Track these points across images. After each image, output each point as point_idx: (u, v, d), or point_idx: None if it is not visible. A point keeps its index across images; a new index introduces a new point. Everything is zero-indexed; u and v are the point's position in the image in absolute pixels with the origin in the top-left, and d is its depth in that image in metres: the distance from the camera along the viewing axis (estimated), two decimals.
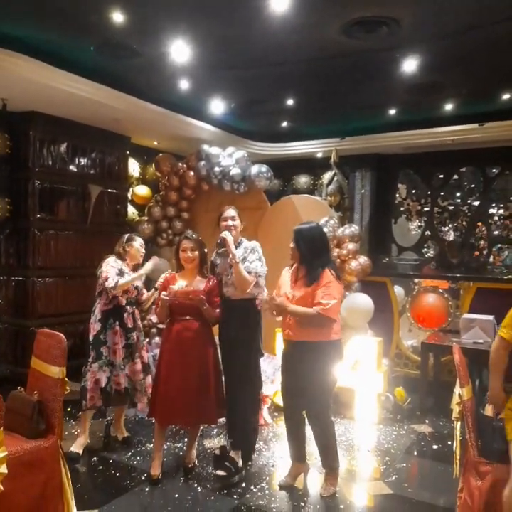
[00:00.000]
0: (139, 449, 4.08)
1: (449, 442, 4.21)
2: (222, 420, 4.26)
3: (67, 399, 3.11)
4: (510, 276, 5.94)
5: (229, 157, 5.79)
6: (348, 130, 6.73)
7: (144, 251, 4.23)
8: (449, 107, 5.73)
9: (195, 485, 3.53)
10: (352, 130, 6.70)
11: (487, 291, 5.38)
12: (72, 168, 5.67)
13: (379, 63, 4.50)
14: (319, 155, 7.49)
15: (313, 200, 5.87)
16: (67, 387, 2.88)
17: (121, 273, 3.98)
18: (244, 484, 3.54)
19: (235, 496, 3.39)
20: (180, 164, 6.10)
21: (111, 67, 4.61)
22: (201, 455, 3.98)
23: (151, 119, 5.57)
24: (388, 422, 4.80)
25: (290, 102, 5.67)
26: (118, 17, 3.60)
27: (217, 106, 5.71)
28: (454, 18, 3.62)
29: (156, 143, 6.82)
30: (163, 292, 3.54)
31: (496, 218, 7.36)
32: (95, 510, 3.15)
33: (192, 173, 5.95)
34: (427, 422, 4.84)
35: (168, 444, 4.11)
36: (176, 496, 3.37)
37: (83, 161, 5.80)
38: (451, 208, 7.56)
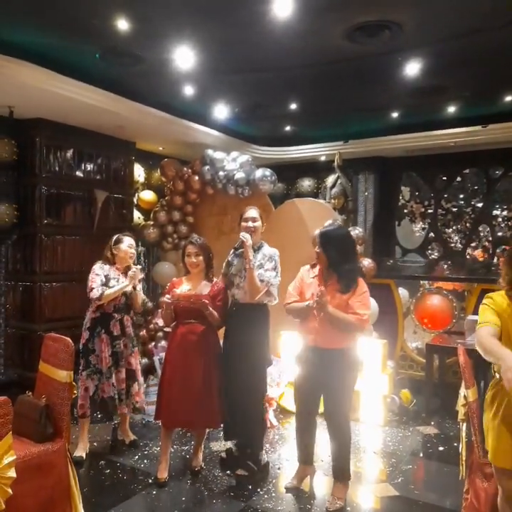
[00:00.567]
0: (145, 452, 4.11)
1: (455, 444, 4.21)
2: None
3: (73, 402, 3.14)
4: None
5: (233, 161, 5.82)
6: (352, 133, 6.74)
7: (133, 251, 4.13)
8: (451, 109, 5.73)
9: (202, 488, 3.56)
10: (355, 133, 6.71)
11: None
12: (78, 173, 5.72)
13: (382, 67, 4.51)
14: (323, 158, 7.50)
15: (317, 204, 5.89)
16: (75, 391, 2.92)
17: (107, 280, 3.93)
18: (250, 487, 3.56)
19: (241, 499, 3.41)
20: (185, 169, 6.13)
21: (115, 73, 4.65)
22: (208, 458, 4.00)
23: (155, 124, 5.60)
24: (394, 424, 4.82)
25: (293, 106, 5.69)
26: (122, 24, 3.63)
27: (221, 111, 5.74)
28: (457, 21, 3.63)
29: (160, 148, 6.87)
30: (167, 295, 3.58)
31: (500, 219, 7.35)
32: None
33: (197, 177, 5.98)
34: (432, 423, 4.84)
35: (174, 447, 4.14)
36: (183, 498, 3.40)
37: (89, 167, 5.85)
38: (454, 209, 7.55)
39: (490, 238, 7.27)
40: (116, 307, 4.02)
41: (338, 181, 7.69)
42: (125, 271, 4.06)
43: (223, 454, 3.93)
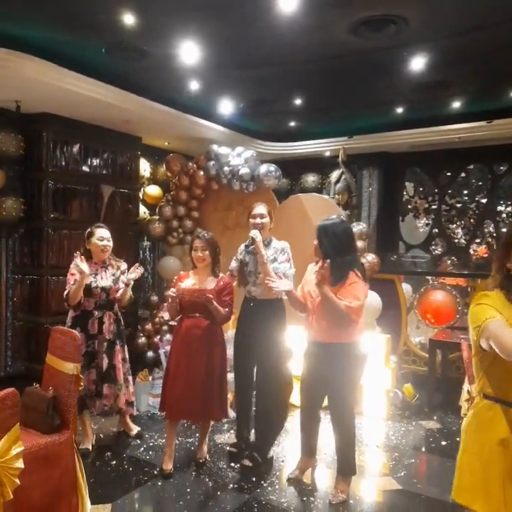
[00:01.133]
0: (151, 444, 4.15)
1: (457, 438, 4.19)
2: (232, 416, 4.33)
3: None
4: None
5: (238, 157, 5.83)
6: (356, 129, 6.74)
7: (106, 243, 3.92)
8: (456, 104, 5.72)
9: (207, 479, 3.60)
10: (359, 129, 6.71)
11: None
12: (84, 168, 5.75)
13: (386, 62, 4.51)
14: (327, 154, 7.51)
15: (321, 199, 5.91)
16: (81, 383, 2.95)
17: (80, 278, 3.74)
18: (254, 479, 3.60)
19: (245, 491, 3.44)
20: (190, 164, 6.15)
21: (121, 68, 4.67)
22: (212, 450, 4.04)
23: (161, 119, 5.62)
24: (397, 418, 4.85)
25: (298, 101, 5.69)
26: (128, 18, 3.64)
27: (226, 106, 5.76)
28: (462, 16, 3.63)
29: (166, 143, 6.88)
30: (172, 289, 3.61)
31: (504, 215, 7.35)
32: (109, 504, 3.22)
33: (202, 172, 6.00)
34: (435, 418, 4.87)
35: (179, 439, 4.17)
36: (188, 490, 3.44)
37: (95, 162, 5.87)
38: (458, 205, 7.55)
39: (494, 234, 7.26)
40: (97, 304, 3.91)
41: (343, 177, 7.71)
42: (104, 266, 3.95)
43: (233, 449, 3.97)
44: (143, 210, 6.86)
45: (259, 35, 3.97)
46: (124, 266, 4.12)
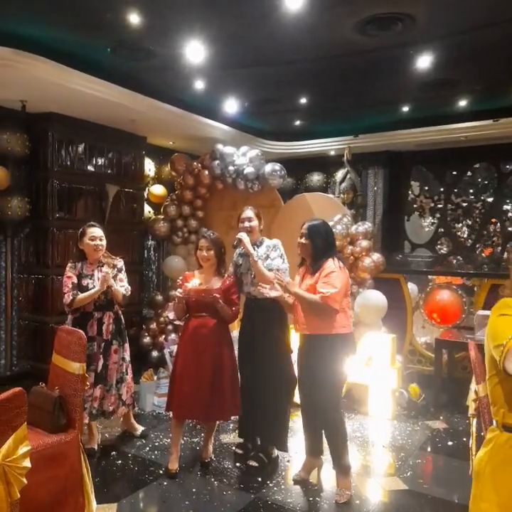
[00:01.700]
0: (156, 444, 4.15)
1: (464, 438, 4.22)
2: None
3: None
4: None
5: (243, 156, 5.83)
6: (361, 128, 6.72)
7: (98, 242, 3.82)
8: (463, 103, 5.70)
9: (212, 479, 3.59)
10: (365, 128, 6.69)
11: None
12: (89, 168, 5.76)
13: (393, 60, 4.49)
14: (332, 153, 7.49)
15: (326, 198, 5.89)
16: (87, 383, 2.95)
17: (80, 279, 3.74)
18: (260, 479, 3.60)
19: (251, 491, 3.43)
20: (195, 164, 6.15)
21: (127, 68, 4.67)
22: (218, 450, 4.03)
23: (166, 119, 5.62)
24: (402, 418, 4.83)
25: (303, 100, 5.68)
26: (134, 18, 3.65)
27: (231, 105, 5.75)
28: (469, 13, 3.61)
29: (171, 143, 6.89)
30: (178, 290, 3.61)
31: (510, 214, 7.31)
32: (114, 503, 3.22)
33: (206, 172, 6.00)
34: (441, 418, 4.85)
35: (185, 438, 4.17)
36: (194, 490, 3.43)
37: (100, 161, 5.88)
38: (464, 204, 7.51)
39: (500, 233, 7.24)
40: (97, 305, 3.86)
41: (348, 176, 7.70)
42: (99, 265, 3.87)
43: (239, 450, 3.97)
44: (148, 210, 6.86)
45: (265, 34, 3.96)
46: (120, 263, 4.04)
